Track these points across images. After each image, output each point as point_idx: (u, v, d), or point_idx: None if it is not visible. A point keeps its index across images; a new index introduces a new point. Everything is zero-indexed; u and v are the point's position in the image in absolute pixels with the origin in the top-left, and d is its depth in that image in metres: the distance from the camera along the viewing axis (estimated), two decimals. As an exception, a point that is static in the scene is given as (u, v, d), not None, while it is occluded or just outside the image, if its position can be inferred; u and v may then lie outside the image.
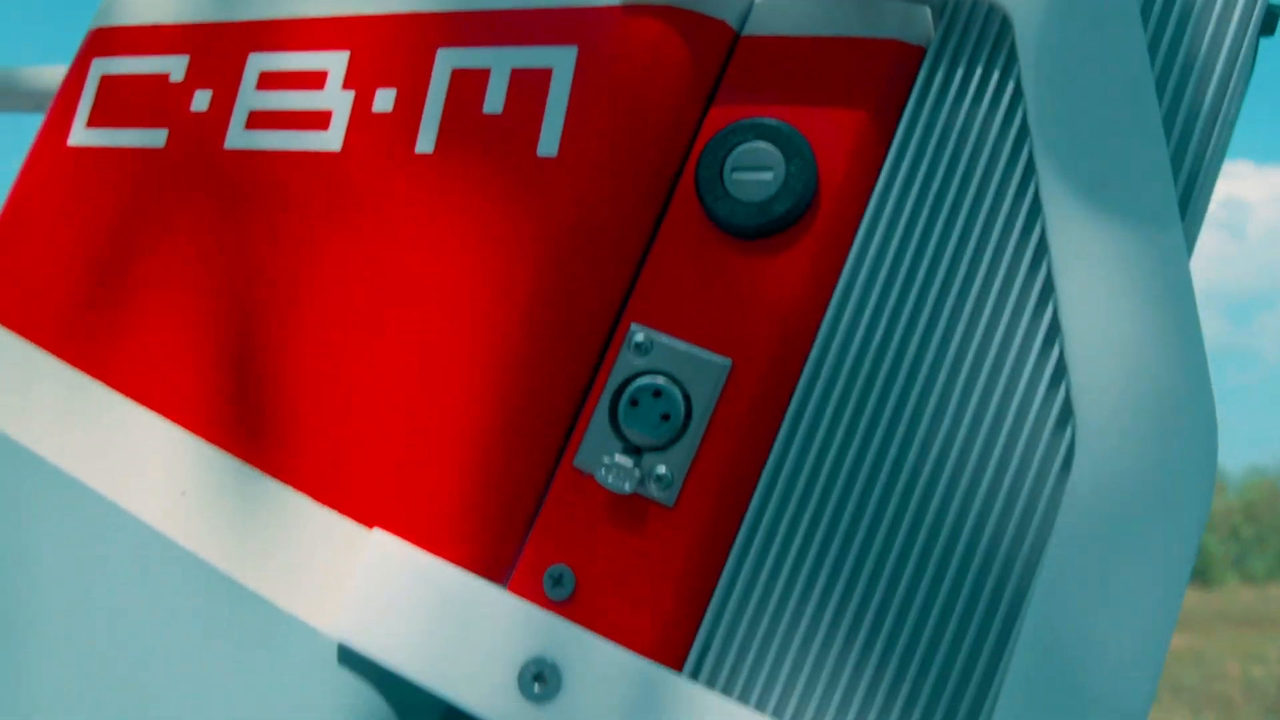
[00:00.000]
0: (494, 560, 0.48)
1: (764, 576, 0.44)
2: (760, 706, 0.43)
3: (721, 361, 0.47)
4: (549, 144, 0.50)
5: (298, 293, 0.53)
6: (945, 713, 0.40)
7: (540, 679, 0.44)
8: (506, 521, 0.48)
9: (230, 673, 0.50)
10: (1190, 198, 0.43)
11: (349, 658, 0.48)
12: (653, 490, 0.47)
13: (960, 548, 0.42)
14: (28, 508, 0.56)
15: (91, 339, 0.58)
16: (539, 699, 0.44)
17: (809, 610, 0.43)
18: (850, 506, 0.44)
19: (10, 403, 0.59)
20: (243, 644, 0.50)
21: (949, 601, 0.41)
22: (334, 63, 0.56)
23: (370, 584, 0.47)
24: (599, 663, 0.44)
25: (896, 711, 0.41)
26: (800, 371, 0.46)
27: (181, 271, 0.56)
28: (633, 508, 0.47)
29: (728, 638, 0.44)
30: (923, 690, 0.41)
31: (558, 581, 0.47)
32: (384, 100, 0.54)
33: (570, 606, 0.47)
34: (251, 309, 0.54)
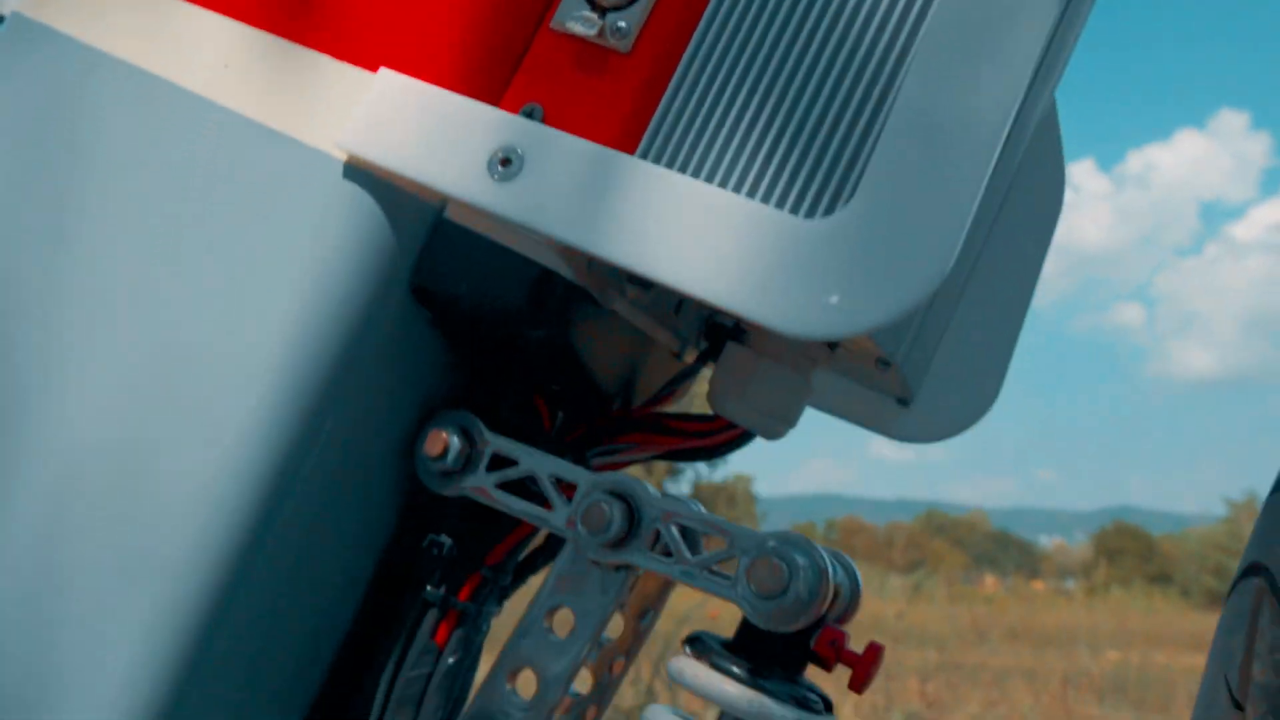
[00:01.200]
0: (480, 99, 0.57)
1: (702, 82, 0.53)
2: (695, 176, 0.52)
3: None
4: None
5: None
6: (850, 161, 0.49)
7: (506, 162, 0.53)
8: (492, 71, 0.58)
9: (264, 200, 0.59)
10: None
11: (352, 172, 0.57)
12: (612, 41, 0.56)
13: (861, 51, 0.51)
14: (100, 97, 0.66)
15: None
16: (503, 178, 0.53)
17: (739, 99, 0.52)
18: (769, 38, 0.53)
19: (89, 16, 0.69)
20: (274, 176, 0.59)
21: (839, 78, 0.50)
22: None
23: (374, 107, 0.57)
24: (558, 149, 0.53)
25: (806, 166, 0.50)
26: None
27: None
28: (595, 55, 0.56)
29: (671, 129, 0.53)
30: (827, 154, 0.50)
31: (529, 115, 0.56)
32: None
33: (538, 130, 0.56)
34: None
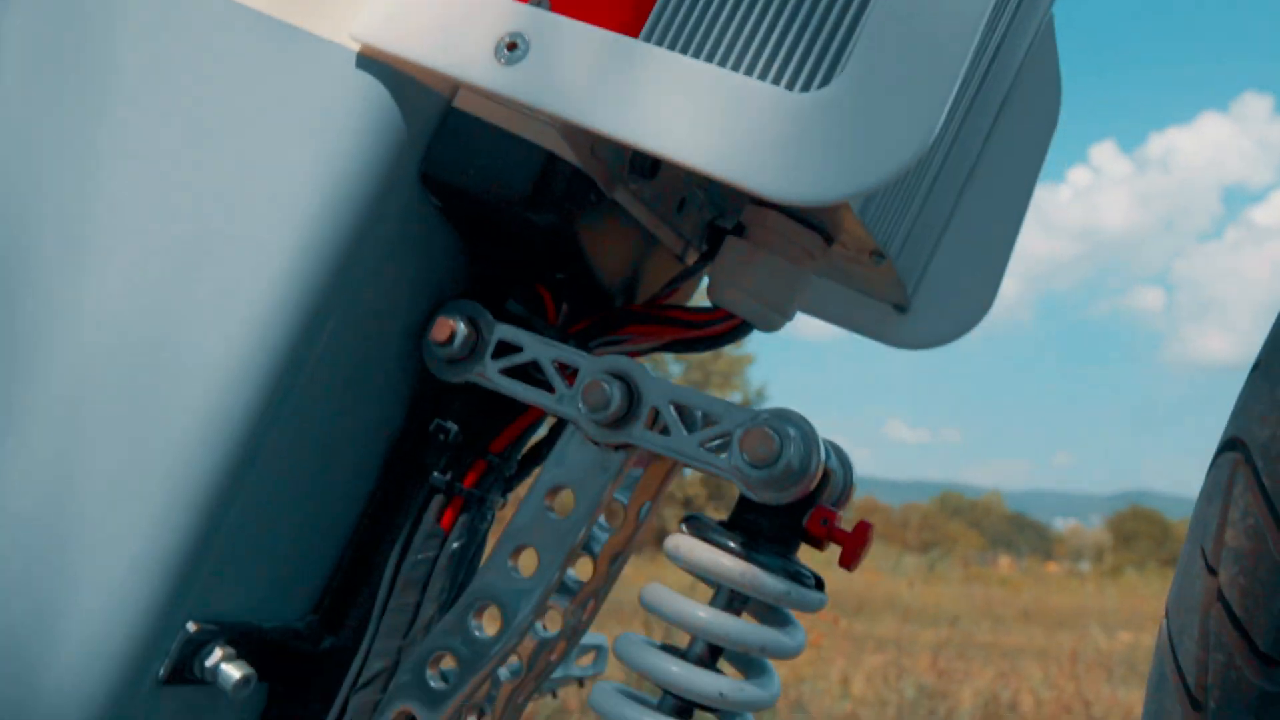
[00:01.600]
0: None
1: None
2: (695, 57, 0.54)
3: None
4: None
5: None
6: (842, 38, 0.51)
7: (512, 46, 0.55)
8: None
9: (278, 92, 0.61)
10: None
11: (365, 63, 0.59)
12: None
13: None
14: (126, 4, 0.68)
15: None
16: (509, 61, 0.55)
17: None
18: None
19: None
20: (288, 69, 0.61)
21: None
22: None
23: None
24: (563, 33, 0.55)
25: (801, 44, 0.52)
26: None
27: None
28: (600, -52, 0.58)
29: (673, 14, 0.55)
30: (821, 32, 0.52)
31: (537, 5, 0.58)
32: None
33: (543, 20, 0.58)
34: None
